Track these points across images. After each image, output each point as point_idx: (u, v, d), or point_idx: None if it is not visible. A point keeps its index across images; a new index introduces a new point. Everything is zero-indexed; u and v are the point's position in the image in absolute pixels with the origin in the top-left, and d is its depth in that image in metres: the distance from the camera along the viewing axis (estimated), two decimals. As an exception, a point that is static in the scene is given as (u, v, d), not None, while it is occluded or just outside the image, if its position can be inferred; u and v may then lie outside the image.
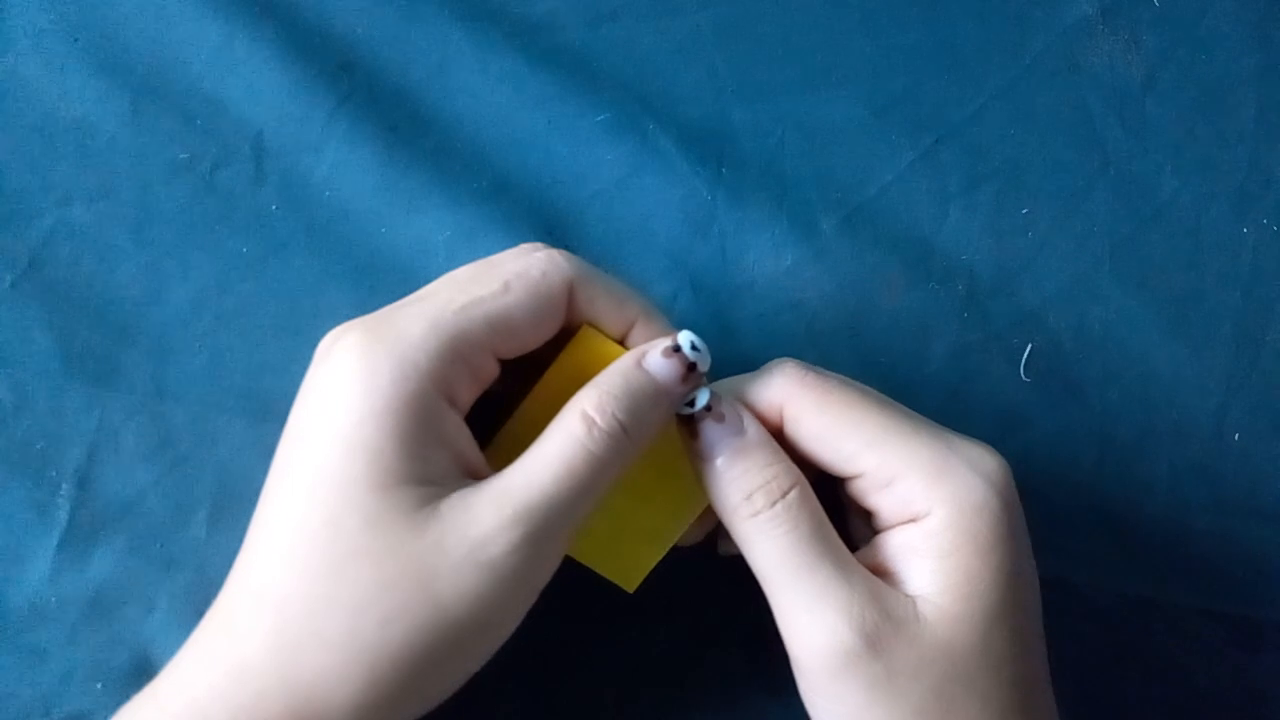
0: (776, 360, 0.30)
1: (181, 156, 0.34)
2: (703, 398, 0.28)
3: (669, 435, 0.29)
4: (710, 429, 0.28)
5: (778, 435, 0.28)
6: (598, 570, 0.30)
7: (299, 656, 0.25)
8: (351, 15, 0.35)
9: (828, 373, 0.29)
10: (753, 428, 0.28)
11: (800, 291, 0.35)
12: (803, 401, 0.28)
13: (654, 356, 0.27)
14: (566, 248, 0.35)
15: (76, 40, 0.34)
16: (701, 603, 0.33)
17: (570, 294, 0.28)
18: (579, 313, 0.29)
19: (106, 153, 0.34)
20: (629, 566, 0.30)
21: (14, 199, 0.34)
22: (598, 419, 0.26)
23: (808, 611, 0.26)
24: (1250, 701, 0.35)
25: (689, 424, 0.28)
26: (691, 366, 0.27)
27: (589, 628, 0.30)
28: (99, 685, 0.32)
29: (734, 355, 0.34)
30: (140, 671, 0.32)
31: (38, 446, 0.33)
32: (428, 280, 0.34)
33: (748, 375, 0.30)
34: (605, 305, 0.29)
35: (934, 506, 0.27)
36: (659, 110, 0.36)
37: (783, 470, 0.27)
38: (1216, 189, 0.36)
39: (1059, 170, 0.36)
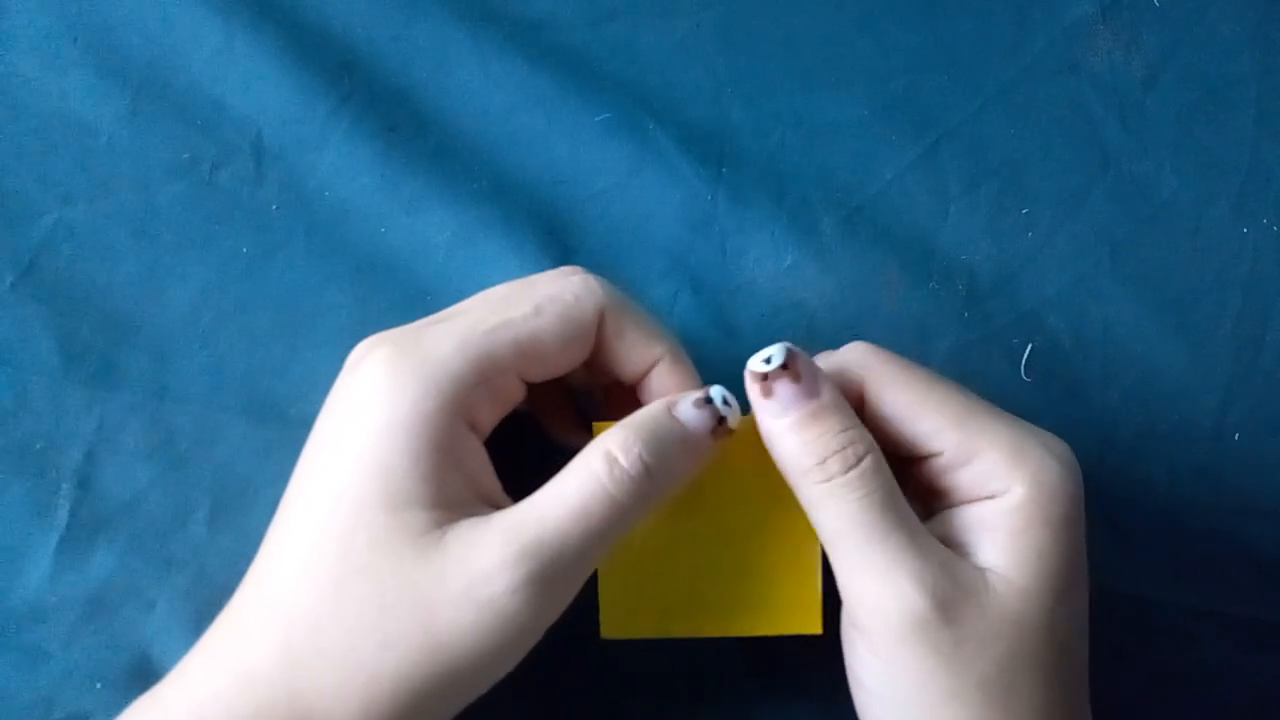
0: (851, 343, 0.29)
1: (181, 156, 0.34)
2: (779, 355, 0.27)
3: (763, 469, 0.28)
4: (785, 389, 0.26)
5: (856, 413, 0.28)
6: (777, 633, 0.29)
7: (302, 671, 0.24)
8: (351, 15, 0.35)
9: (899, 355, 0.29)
10: (828, 391, 0.27)
11: (800, 291, 0.35)
12: (886, 378, 0.28)
13: (685, 405, 0.27)
14: (566, 248, 0.35)
15: (76, 40, 0.34)
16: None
17: (600, 321, 0.28)
18: (605, 342, 0.28)
19: (106, 153, 0.34)
20: (802, 612, 0.29)
21: (14, 199, 0.34)
22: (621, 458, 0.25)
23: (879, 577, 0.26)
24: (1250, 701, 0.35)
25: (762, 382, 0.27)
26: (721, 420, 0.27)
27: (587, 627, 0.30)
28: (99, 685, 0.32)
29: (734, 355, 0.34)
30: (140, 671, 0.32)
31: (38, 446, 0.33)
32: (427, 280, 0.34)
33: (824, 353, 0.30)
34: (632, 338, 0.28)
35: (1013, 485, 0.27)
36: (659, 110, 0.36)
37: (859, 436, 0.27)
38: (1216, 189, 0.36)
39: (1059, 170, 0.36)
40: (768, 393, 0.27)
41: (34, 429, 0.33)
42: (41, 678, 0.32)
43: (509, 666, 0.26)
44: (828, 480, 0.26)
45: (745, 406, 0.28)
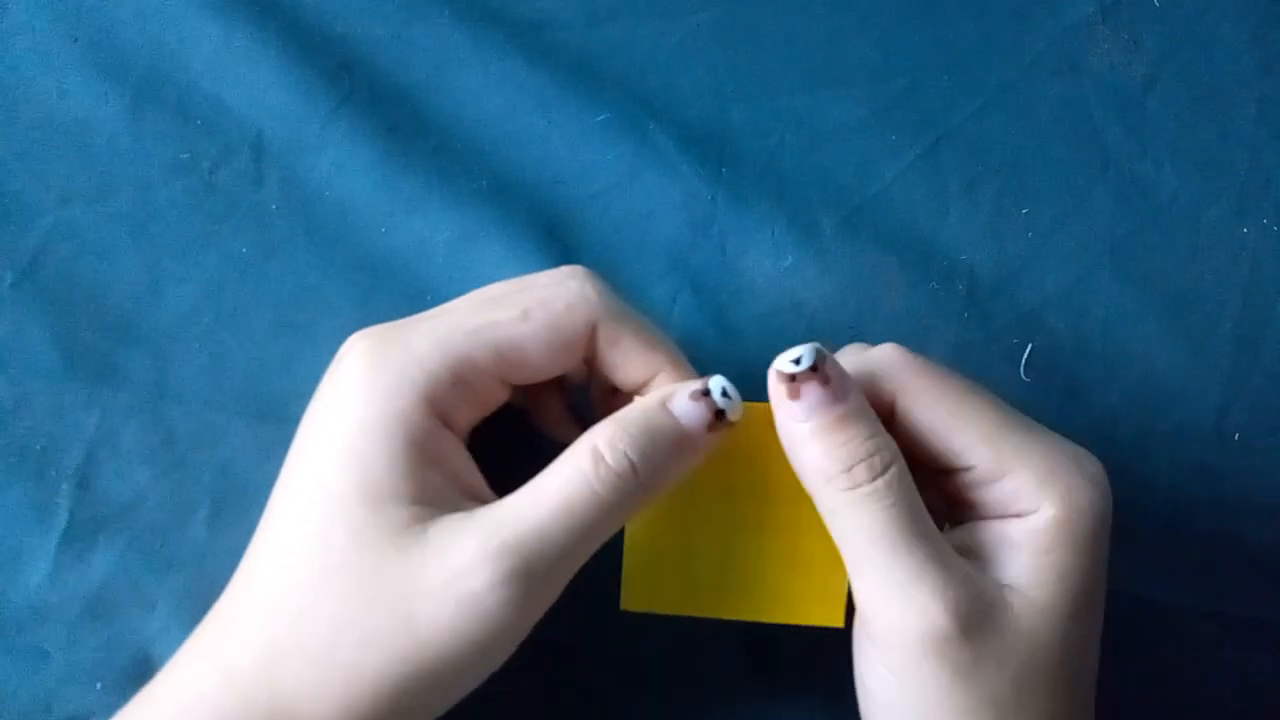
0: (881, 345, 0.28)
1: (181, 156, 0.34)
2: (809, 356, 0.25)
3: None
4: (812, 392, 0.25)
5: (886, 424, 0.27)
6: (796, 623, 0.29)
7: (283, 668, 0.24)
8: (351, 15, 0.35)
9: (933, 361, 0.28)
10: (855, 396, 0.26)
11: (800, 291, 0.35)
12: (919, 391, 0.27)
13: (680, 399, 0.26)
14: (566, 248, 0.35)
15: (76, 40, 0.34)
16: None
17: (594, 331, 0.27)
18: (601, 352, 0.28)
19: (106, 153, 0.34)
20: (826, 604, 0.28)
21: (14, 199, 0.34)
22: (607, 454, 0.25)
23: (900, 591, 0.25)
24: (1250, 701, 0.35)
25: (788, 383, 0.25)
26: (720, 414, 0.26)
27: (588, 626, 0.30)
28: (99, 685, 0.32)
29: (734, 355, 0.34)
30: (140, 671, 0.32)
31: (38, 446, 0.33)
32: (427, 280, 0.34)
33: (851, 355, 0.29)
34: (628, 348, 0.28)
35: (1042, 505, 0.26)
36: (659, 110, 0.36)
37: (885, 443, 0.26)
38: (1216, 189, 0.36)
39: (1059, 170, 0.36)
40: (794, 395, 0.26)
41: (34, 429, 0.33)
42: (41, 678, 0.32)
43: (493, 665, 0.26)
44: (853, 488, 0.25)
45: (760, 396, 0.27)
